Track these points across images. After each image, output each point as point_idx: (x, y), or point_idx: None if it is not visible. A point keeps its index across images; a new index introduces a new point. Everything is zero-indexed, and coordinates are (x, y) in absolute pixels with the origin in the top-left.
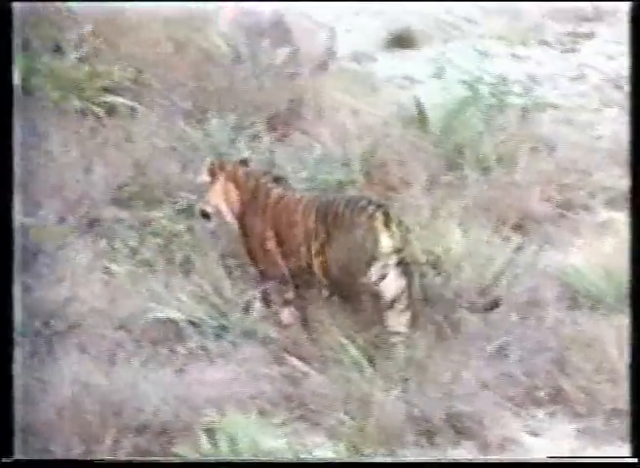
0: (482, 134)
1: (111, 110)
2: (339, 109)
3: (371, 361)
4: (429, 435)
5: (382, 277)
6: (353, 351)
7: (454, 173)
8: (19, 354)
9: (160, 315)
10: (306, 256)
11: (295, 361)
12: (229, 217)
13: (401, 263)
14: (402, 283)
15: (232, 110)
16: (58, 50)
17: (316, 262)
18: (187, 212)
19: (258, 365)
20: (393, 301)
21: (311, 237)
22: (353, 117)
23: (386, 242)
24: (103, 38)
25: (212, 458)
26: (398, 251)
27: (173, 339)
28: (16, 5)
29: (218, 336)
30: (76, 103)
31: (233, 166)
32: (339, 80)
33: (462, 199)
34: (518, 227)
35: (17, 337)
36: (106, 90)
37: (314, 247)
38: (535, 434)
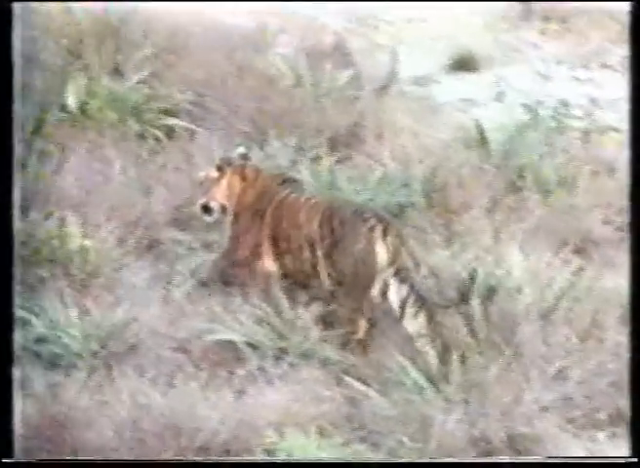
0: (543, 156)
1: (170, 133)
2: (399, 131)
3: (431, 382)
4: (490, 456)
5: (385, 290)
6: (414, 373)
7: (514, 195)
8: (77, 375)
9: (219, 337)
10: (311, 259)
11: (354, 382)
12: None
13: (397, 273)
14: (404, 290)
15: (293, 133)
16: (117, 72)
17: (322, 265)
18: None
19: (317, 386)
20: (402, 309)
21: (316, 240)
22: (414, 139)
23: (382, 255)
24: (164, 61)
25: (214, 459)
26: (393, 262)
27: (232, 361)
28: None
29: (277, 358)
30: (135, 126)
31: (240, 161)
32: (400, 102)
33: (523, 222)
34: (579, 250)
35: (75, 359)
36: (166, 112)
37: (320, 250)
38: (595, 456)
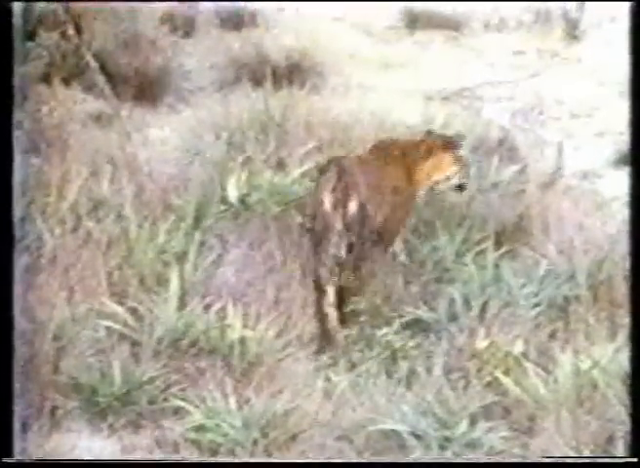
0: None
1: None
2: (565, 225)
3: None
4: None
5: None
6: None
7: None
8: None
9: (383, 427)
10: None
11: None
12: None
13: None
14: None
15: (460, 226)
16: (279, 166)
17: None
18: (413, 326)
19: None
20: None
21: None
22: (580, 233)
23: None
24: (327, 154)
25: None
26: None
27: (395, 450)
28: None
29: (441, 447)
30: (298, 218)
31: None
32: (565, 197)
33: None
34: None
35: (235, 447)
36: None
37: None
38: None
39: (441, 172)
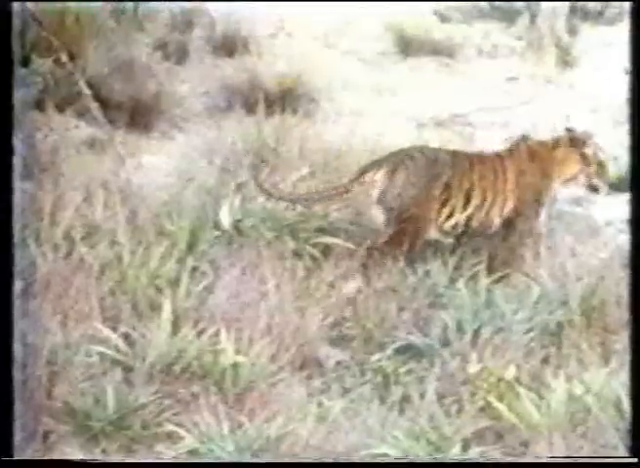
0: None
1: (327, 251)
2: (558, 250)
3: None
4: None
5: None
6: None
7: None
8: None
9: (376, 451)
10: None
11: None
12: None
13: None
14: None
15: (452, 253)
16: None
17: None
18: (405, 352)
19: None
20: None
21: None
22: (572, 258)
23: None
24: (320, 179)
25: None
26: None
27: None
28: None
29: None
30: (291, 244)
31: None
32: (558, 222)
33: None
34: None
35: None
36: (321, 230)
37: None
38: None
39: (566, 169)
